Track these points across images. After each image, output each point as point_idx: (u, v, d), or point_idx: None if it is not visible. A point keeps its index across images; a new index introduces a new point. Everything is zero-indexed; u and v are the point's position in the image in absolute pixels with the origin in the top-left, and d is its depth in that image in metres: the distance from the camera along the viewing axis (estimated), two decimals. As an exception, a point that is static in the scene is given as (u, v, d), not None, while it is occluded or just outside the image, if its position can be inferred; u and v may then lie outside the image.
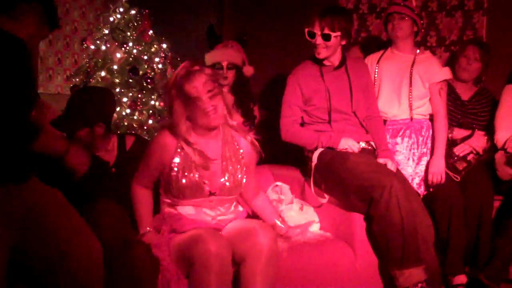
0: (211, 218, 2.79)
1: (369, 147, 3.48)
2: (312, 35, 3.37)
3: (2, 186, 2.18)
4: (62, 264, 2.29)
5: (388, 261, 3.10)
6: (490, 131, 3.88)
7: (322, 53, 3.40)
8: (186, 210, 2.77)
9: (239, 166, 2.81)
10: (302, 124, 3.53)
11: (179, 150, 2.71)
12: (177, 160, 2.71)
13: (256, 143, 2.87)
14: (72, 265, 2.29)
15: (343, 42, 3.43)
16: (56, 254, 2.28)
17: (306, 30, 3.39)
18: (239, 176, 2.81)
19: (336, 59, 3.48)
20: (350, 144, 3.35)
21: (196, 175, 2.70)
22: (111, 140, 3.11)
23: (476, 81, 4.08)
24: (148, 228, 2.78)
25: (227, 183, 2.77)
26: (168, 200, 2.81)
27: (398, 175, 3.33)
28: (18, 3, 2.31)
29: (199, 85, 2.61)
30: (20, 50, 2.22)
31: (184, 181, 2.70)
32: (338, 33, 3.35)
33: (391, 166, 3.38)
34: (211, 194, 2.75)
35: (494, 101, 3.99)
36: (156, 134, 3.06)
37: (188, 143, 2.69)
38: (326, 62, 3.48)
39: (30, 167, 2.30)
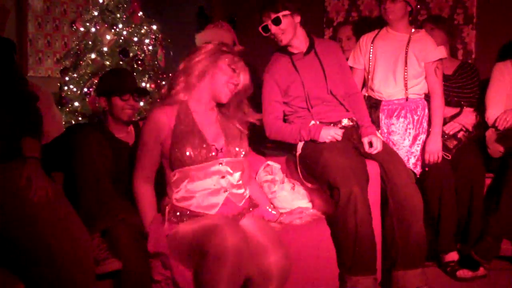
0: (223, 191, 2.69)
1: (352, 123, 3.46)
2: (266, 28, 3.35)
3: None
4: (45, 255, 2.28)
5: (339, 263, 3.12)
6: (478, 107, 3.90)
7: (283, 40, 3.37)
8: (197, 186, 2.67)
9: (239, 139, 2.82)
10: (284, 116, 3.51)
11: (176, 118, 2.71)
12: (177, 128, 2.69)
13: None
14: (57, 256, 2.29)
15: (297, 19, 3.38)
16: (39, 245, 2.29)
17: (260, 28, 3.37)
18: (239, 147, 2.80)
19: (302, 45, 3.45)
20: (332, 134, 3.28)
21: (196, 141, 2.68)
22: (129, 124, 3.28)
23: (451, 52, 4.08)
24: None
25: (229, 146, 2.75)
26: (179, 177, 2.69)
27: (386, 153, 3.36)
28: None
29: (238, 63, 2.80)
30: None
31: (189, 149, 2.64)
32: (286, 12, 3.31)
33: (376, 141, 3.35)
34: (218, 152, 2.70)
35: (478, 74, 4.03)
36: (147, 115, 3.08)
37: (186, 107, 2.74)
38: (293, 50, 3.45)
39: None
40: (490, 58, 4.36)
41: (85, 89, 4.20)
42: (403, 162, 3.43)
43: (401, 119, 3.67)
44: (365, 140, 3.40)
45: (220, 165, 2.69)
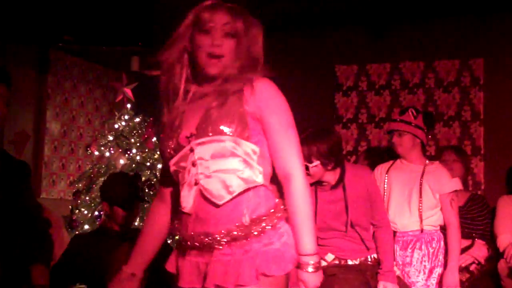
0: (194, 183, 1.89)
1: (369, 262, 3.35)
2: None
3: None
4: None
5: None
6: (489, 240, 3.87)
7: (310, 180, 3.01)
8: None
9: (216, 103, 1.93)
10: None
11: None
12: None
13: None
14: None
15: (329, 167, 3.19)
16: None
17: None
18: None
19: (332, 177, 3.28)
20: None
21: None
22: None
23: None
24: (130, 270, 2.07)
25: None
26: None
27: None
28: None
29: (218, 19, 1.97)
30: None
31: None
32: (317, 162, 3.16)
33: None
34: (189, 137, 1.91)
35: (488, 206, 4.04)
36: None
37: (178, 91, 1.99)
38: (323, 181, 3.31)
39: None
40: (499, 189, 4.39)
41: (96, 213, 4.22)
42: None
43: (417, 251, 3.60)
44: (380, 286, 3.29)
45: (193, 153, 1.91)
